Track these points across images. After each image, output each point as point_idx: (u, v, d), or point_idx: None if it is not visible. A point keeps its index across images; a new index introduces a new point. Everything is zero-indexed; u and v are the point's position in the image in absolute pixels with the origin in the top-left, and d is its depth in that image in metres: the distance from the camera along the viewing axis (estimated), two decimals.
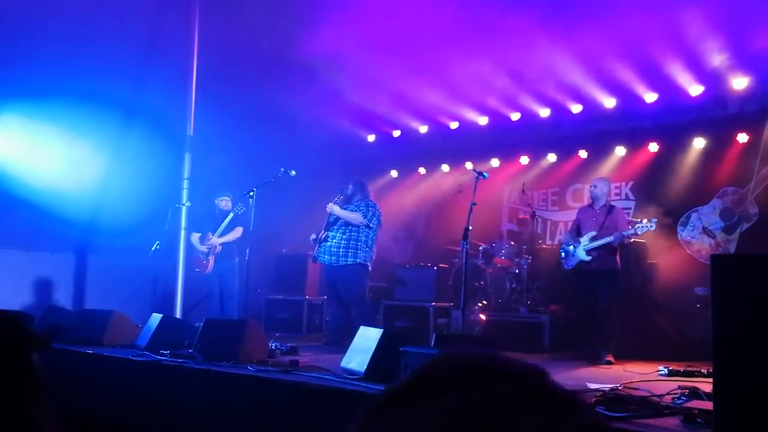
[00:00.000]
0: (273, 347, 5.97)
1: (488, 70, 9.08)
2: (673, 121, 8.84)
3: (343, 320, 7.41)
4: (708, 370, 4.85)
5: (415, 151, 11.25)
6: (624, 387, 4.46)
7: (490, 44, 8.20)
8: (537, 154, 10.16)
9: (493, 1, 7.80)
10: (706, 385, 3.87)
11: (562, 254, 7.23)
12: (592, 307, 6.82)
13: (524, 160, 10.28)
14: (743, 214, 8.08)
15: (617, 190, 9.41)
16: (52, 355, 5.85)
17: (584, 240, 6.92)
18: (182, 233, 8.91)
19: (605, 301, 6.75)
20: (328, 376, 4.70)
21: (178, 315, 8.73)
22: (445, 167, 11.04)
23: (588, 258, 6.84)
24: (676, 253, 8.26)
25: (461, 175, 10.26)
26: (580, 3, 7.77)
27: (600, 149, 9.53)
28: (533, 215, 8.76)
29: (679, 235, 8.52)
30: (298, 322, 9.18)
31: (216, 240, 8.11)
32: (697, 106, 8.62)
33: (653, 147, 9.05)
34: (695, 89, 8.51)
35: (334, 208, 7.38)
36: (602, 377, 5.31)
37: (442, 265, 8.85)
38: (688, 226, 8.55)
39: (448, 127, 10.91)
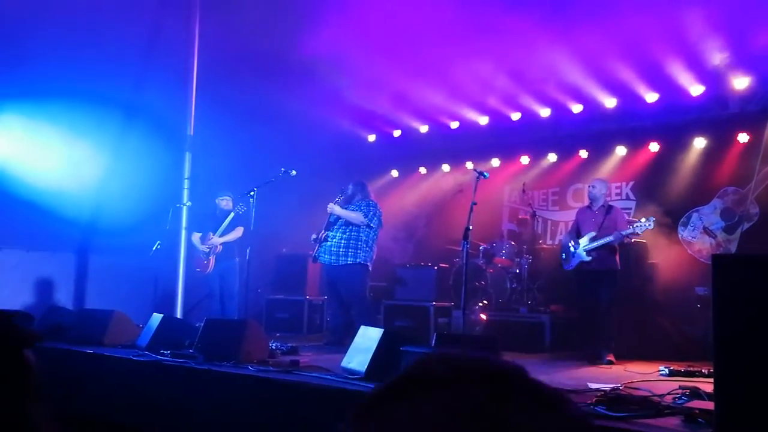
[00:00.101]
0: (273, 347, 5.97)
1: (489, 69, 9.08)
2: (674, 121, 8.84)
3: (344, 320, 7.41)
4: (709, 370, 4.84)
5: (416, 151, 11.26)
6: (625, 387, 4.45)
7: (490, 44, 8.20)
8: (537, 154, 10.16)
9: (494, 1, 7.79)
10: (707, 385, 3.86)
11: (563, 255, 7.23)
12: (592, 307, 6.82)
13: (525, 159, 10.28)
14: (744, 213, 8.08)
15: (618, 190, 9.41)
16: (53, 354, 5.87)
17: (584, 241, 6.93)
18: (183, 233, 8.91)
19: (606, 301, 6.75)
20: (328, 376, 4.69)
21: (178, 315, 8.74)
22: (445, 167, 11.04)
23: (588, 258, 6.84)
24: (677, 253, 8.25)
25: (462, 174, 10.27)
26: (581, 3, 7.76)
27: (600, 149, 9.53)
28: (534, 215, 8.77)
29: (679, 235, 8.52)
30: (299, 322, 9.18)
31: (217, 240, 8.11)
32: (697, 105, 8.62)
33: (654, 147, 9.05)
34: (696, 89, 8.51)
35: (335, 208, 7.38)
36: (603, 377, 5.31)
37: (443, 265, 8.85)
38: (688, 226, 8.55)
39: (449, 127, 10.92)
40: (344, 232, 7.35)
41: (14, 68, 8.21)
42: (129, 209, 8.96)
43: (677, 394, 4.01)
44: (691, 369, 5.39)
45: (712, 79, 8.32)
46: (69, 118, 8.68)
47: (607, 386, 4.35)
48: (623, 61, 8.47)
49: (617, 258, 6.87)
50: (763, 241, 7.64)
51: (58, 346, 6.07)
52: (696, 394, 3.93)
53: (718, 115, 8.56)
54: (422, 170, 11.34)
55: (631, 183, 9.32)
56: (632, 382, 4.86)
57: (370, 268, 7.50)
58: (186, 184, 9.09)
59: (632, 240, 7.44)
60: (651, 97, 8.91)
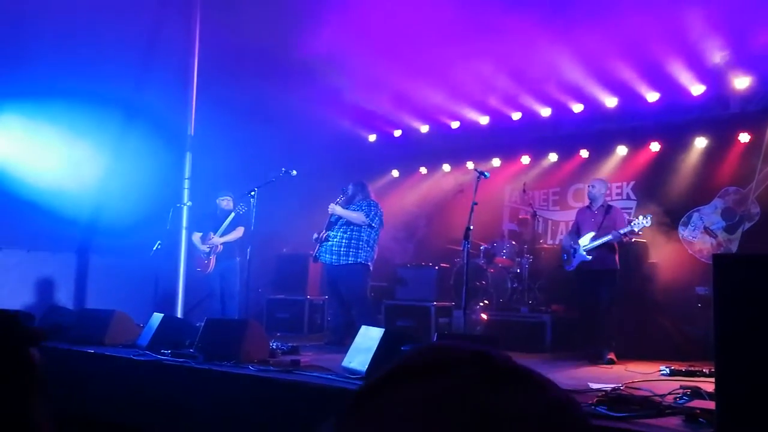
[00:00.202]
0: (274, 347, 5.97)
1: (489, 69, 9.08)
2: (675, 121, 8.83)
3: (345, 320, 7.41)
4: (710, 369, 4.84)
5: (416, 151, 11.25)
6: (626, 387, 4.45)
7: (491, 44, 8.19)
8: (538, 154, 10.16)
9: (495, 1, 7.79)
10: (708, 385, 3.86)
11: (564, 256, 7.24)
12: (593, 307, 6.83)
13: (525, 159, 10.28)
14: (745, 213, 8.07)
15: (619, 190, 9.41)
16: (54, 354, 5.87)
17: (584, 240, 6.93)
18: (183, 233, 8.92)
19: (606, 300, 6.76)
20: (329, 376, 4.69)
21: (179, 315, 8.74)
22: (446, 167, 11.04)
23: (589, 258, 6.85)
24: (678, 253, 8.25)
25: (462, 174, 10.26)
26: (581, 3, 7.76)
27: (601, 149, 9.53)
28: (534, 215, 8.76)
29: (680, 235, 8.52)
30: (300, 321, 9.18)
31: (217, 239, 8.11)
32: (698, 105, 8.62)
33: (655, 146, 9.05)
34: (697, 89, 8.51)
35: (336, 209, 7.38)
36: (604, 377, 5.30)
37: (444, 265, 8.84)
38: (689, 226, 8.55)
39: (449, 127, 10.91)
40: (345, 232, 7.35)
41: (15, 68, 8.21)
42: (129, 209, 8.96)
43: (678, 393, 4.01)
44: (692, 369, 5.39)
45: (713, 78, 8.32)
46: (69, 118, 8.68)
47: (608, 386, 4.35)
48: (624, 60, 8.46)
49: (617, 258, 6.88)
50: (764, 241, 7.63)
51: (58, 345, 6.07)
52: (697, 393, 3.93)
53: (719, 115, 8.56)
54: (423, 170, 11.33)
55: (632, 183, 9.32)
56: (633, 382, 4.86)
57: (371, 268, 7.50)
58: (186, 184, 9.10)
59: (632, 240, 7.44)
60: (652, 96, 8.90)
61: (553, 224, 10.11)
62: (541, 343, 7.46)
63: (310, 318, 9.24)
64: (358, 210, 7.37)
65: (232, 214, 8.12)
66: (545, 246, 9.26)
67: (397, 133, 11.52)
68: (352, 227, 7.34)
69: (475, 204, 6.35)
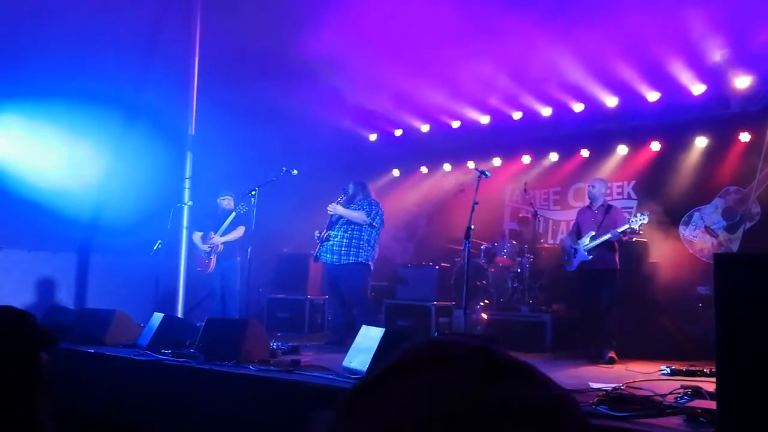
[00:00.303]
0: (274, 347, 5.97)
1: (490, 69, 9.08)
2: (676, 120, 8.82)
3: (345, 319, 7.41)
4: (711, 369, 4.84)
5: (417, 151, 11.25)
6: (627, 386, 4.45)
7: (491, 43, 8.19)
8: (539, 154, 10.15)
9: (495, 1, 7.79)
10: (708, 385, 3.86)
11: (565, 257, 7.24)
12: (593, 306, 6.83)
13: (526, 159, 10.27)
14: (746, 213, 8.07)
15: (619, 190, 9.40)
16: (54, 354, 5.87)
17: (585, 240, 6.94)
18: (184, 232, 8.92)
19: (606, 300, 6.76)
20: (330, 376, 4.69)
21: (179, 314, 8.74)
22: (446, 166, 11.04)
23: (589, 257, 6.86)
24: (678, 252, 8.24)
25: (463, 174, 10.26)
26: (582, 2, 7.76)
27: (602, 148, 9.52)
28: (535, 214, 8.76)
29: (681, 234, 8.51)
30: (300, 321, 9.18)
31: (218, 239, 8.11)
32: (699, 105, 8.61)
33: (655, 146, 9.04)
34: (697, 88, 8.50)
35: (337, 208, 7.37)
36: (605, 377, 5.30)
37: (444, 264, 8.84)
38: (690, 225, 8.54)
39: (450, 126, 10.91)
40: (346, 231, 7.35)
41: (15, 68, 8.22)
42: (130, 209, 8.96)
43: (679, 393, 4.01)
44: (693, 368, 5.39)
45: (714, 78, 8.31)
46: (70, 118, 8.68)
47: (609, 386, 4.34)
48: (624, 60, 8.46)
49: (617, 257, 6.88)
50: (765, 241, 7.62)
51: (59, 345, 6.06)
52: (698, 393, 3.93)
53: (720, 115, 8.55)
54: (423, 169, 11.33)
55: (633, 182, 9.31)
56: (634, 381, 4.86)
57: (372, 268, 7.49)
58: (187, 183, 9.10)
59: (633, 239, 7.43)
60: (652, 96, 8.89)
61: (554, 224, 10.11)
62: (541, 343, 7.46)
63: (310, 318, 9.24)
64: (359, 209, 7.37)
65: (233, 214, 8.12)
66: (546, 245, 9.26)
67: (398, 132, 11.52)
68: (352, 227, 7.34)
69: (476, 203, 6.35)
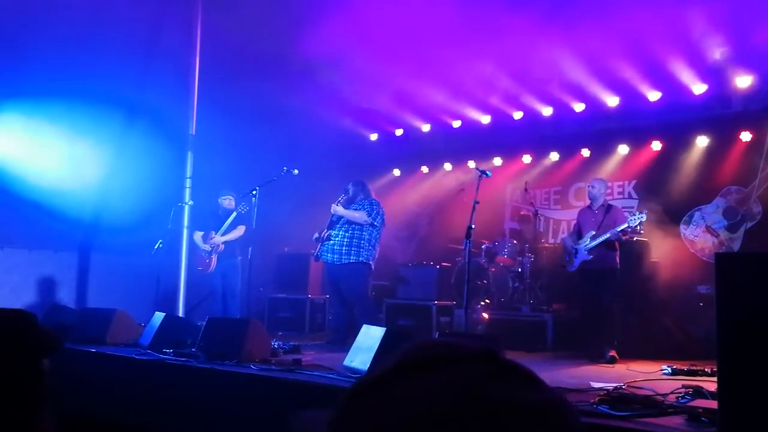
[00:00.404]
0: (275, 346, 5.97)
1: (491, 69, 9.08)
2: (676, 120, 8.82)
3: (346, 319, 7.41)
4: (711, 369, 4.84)
5: (418, 150, 11.25)
6: (628, 386, 4.45)
7: (492, 43, 8.19)
8: (539, 153, 10.15)
9: (496, 1, 7.78)
10: (709, 384, 3.86)
11: (566, 257, 7.24)
12: (593, 306, 6.84)
13: (527, 158, 10.27)
14: (747, 212, 8.07)
15: (620, 189, 9.40)
16: (55, 353, 5.87)
17: (585, 240, 6.95)
18: (185, 232, 8.92)
19: (607, 299, 6.77)
20: (331, 375, 4.70)
21: (180, 314, 8.74)
22: (447, 166, 11.03)
23: (590, 257, 6.86)
24: (679, 252, 8.24)
25: (464, 173, 10.26)
26: (583, 2, 7.75)
27: (603, 148, 9.52)
28: (536, 214, 8.76)
29: (682, 234, 8.51)
30: (301, 320, 9.18)
31: (219, 238, 8.11)
32: (700, 104, 8.61)
33: (656, 145, 9.03)
34: (698, 88, 8.49)
35: (337, 209, 7.38)
36: (606, 376, 5.30)
37: (445, 264, 8.84)
38: (691, 225, 8.54)
39: (451, 126, 10.91)
40: (347, 231, 7.35)
41: (16, 68, 8.22)
42: (131, 208, 8.97)
43: (680, 393, 4.01)
44: (694, 368, 5.38)
45: (715, 77, 8.30)
46: (71, 118, 8.69)
47: (610, 385, 4.35)
48: (625, 59, 8.45)
49: (617, 257, 6.89)
50: (766, 240, 7.62)
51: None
52: (699, 393, 3.93)
53: (721, 114, 8.54)
54: (424, 169, 11.33)
55: (634, 182, 9.30)
56: (635, 381, 4.85)
57: (373, 267, 7.50)
58: (188, 183, 9.10)
59: (633, 238, 7.43)
60: (653, 95, 8.89)
61: (555, 223, 10.10)
62: (542, 342, 7.46)
63: (311, 317, 9.24)
64: (359, 209, 7.37)
65: (234, 213, 8.12)
66: (546, 245, 9.26)
67: (399, 132, 11.51)
68: (353, 226, 7.34)
69: (477, 203, 6.34)
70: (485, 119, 10.52)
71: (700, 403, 3.68)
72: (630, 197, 9.31)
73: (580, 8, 7.69)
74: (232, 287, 8.17)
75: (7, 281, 8.49)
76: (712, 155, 8.54)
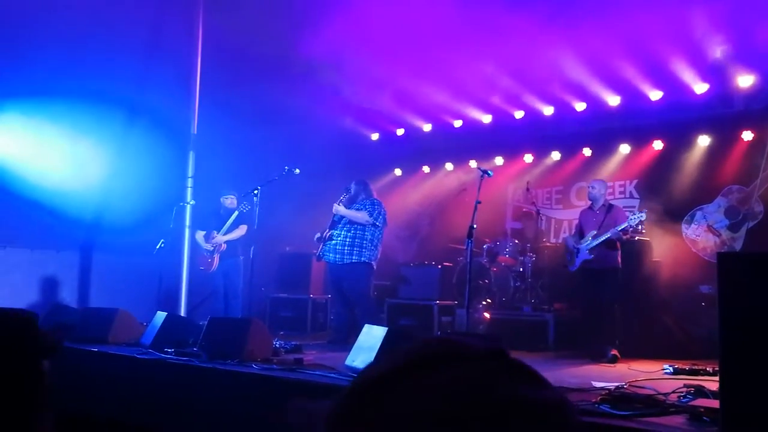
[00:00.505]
0: (277, 345, 5.97)
1: (492, 68, 9.08)
2: (678, 119, 8.81)
3: (348, 318, 7.41)
4: (713, 368, 4.84)
5: (419, 150, 11.24)
6: (629, 385, 4.45)
7: (494, 43, 8.19)
8: (541, 153, 10.14)
9: (497, 0, 7.78)
10: (711, 384, 3.86)
11: (568, 257, 7.25)
12: (595, 305, 6.85)
13: (528, 158, 10.26)
14: (748, 212, 8.06)
15: (621, 189, 9.39)
16: (56, 353, 5.88)
17: (587, 239, 6.96)
18: (187, 231, 8.93)
19: (608, 298, 6.78)
20: (332, 374, 4.70)
21: (182, 313, 8.74)
22: (449, 166, 11.03)
23: (591, 256, 6.87)
24: (681, 251, 8.23)
25: (465, 173, 10.26)
26: (584, 1, 7.75)
27: (604, 147, 9.51)
28: (537, 213, 8.76)
29: (683, 233, 8.50)
30: (303, 320, 9.19)
31: (220, 238, 8.11)
32: (702, 103, 8.60)
33: (658, 145, 9.03)
34: (700, 87, 8.48)
35: (339, 209, 7.38)
36: (607, 375, 5.30)
37: (446, 264, 8.84)
38: (692, 224, 8.53)
39: (452, 126, 10.90)
40: (349, 231, 7.35)
41: (18, 67, 8.23)
42: (133, 208, 8.98)
43: (682, 392, 4.01)
44: (696, 367, 5.38)
45: (717, 76, 8.29)
46: (73, 117, 8.70)
47: (612, 384, 4.35)
48: (627, 59, 8.45)
49: (619, 256, 6.89)
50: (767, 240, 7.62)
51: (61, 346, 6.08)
52: (701, 392, 3.93)
53: (723, 113, 8.53)
54: (426, 169, 11.32)
55: (635, 181, 9.30)
56: (637, 380, 4.85)
57: (375, 267, 7.50)
58: (190, 182, 9.10)
59: (634, 237, 7.43)
60: (655, 95, 8.88)
61: (556, 222, 10.10)
62: (543, 342, 7.46)
63: (313, 316, 9.25)
64: (361, 209, 7.38)
65: (236, 213, 8.13)
66: (548, 244, 9.25)
67: (400, 132, 11.51)
68: (355, 226, 7.35)
69: (479, 203, 6.34)
70: (486, 119, 10.51)
71: (701, 402, 3.68)
72: (631, 197, 9.30)
73: (581, 8, 7.69)
74: (233, 287, 8.17)
75: (9, 281, 8.50)
76: (714, 154, 8.54)
